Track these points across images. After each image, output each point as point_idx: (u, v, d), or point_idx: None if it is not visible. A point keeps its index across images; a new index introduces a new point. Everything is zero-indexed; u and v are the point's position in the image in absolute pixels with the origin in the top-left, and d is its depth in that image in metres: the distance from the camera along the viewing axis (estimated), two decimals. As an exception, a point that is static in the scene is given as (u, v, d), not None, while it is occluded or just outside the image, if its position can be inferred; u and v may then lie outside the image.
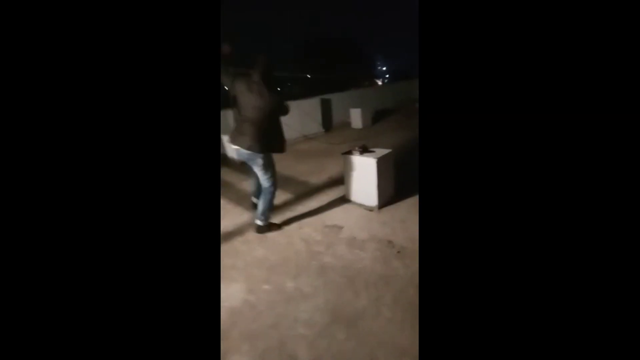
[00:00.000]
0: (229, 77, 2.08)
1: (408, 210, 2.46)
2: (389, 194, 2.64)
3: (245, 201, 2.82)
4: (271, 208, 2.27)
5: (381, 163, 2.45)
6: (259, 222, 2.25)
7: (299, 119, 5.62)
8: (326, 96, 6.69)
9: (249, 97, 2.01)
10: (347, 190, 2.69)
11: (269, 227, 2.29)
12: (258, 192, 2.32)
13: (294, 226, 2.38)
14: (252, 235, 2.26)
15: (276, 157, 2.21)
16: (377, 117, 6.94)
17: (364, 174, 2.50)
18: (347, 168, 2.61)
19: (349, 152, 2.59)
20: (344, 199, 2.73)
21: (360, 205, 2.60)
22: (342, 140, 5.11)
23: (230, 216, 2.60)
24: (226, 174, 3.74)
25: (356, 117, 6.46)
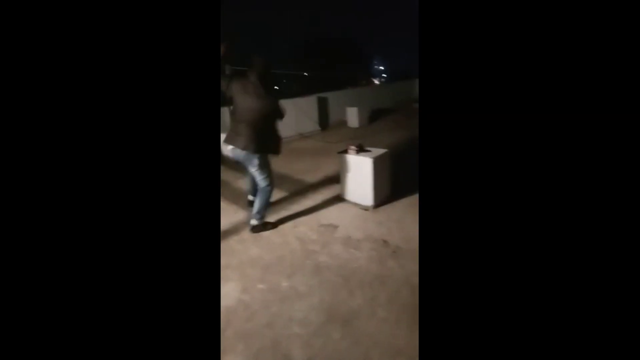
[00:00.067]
0: (226, 77, 2.08)
1: (404, 210, 2.47)
2: (385, 194, 2.65)
3: (240, 199, 2.81)
4: (267, 207, 2.27)
5: (377, 163, 2.45)
6: (254, 221, 2.24)
7: (296, 117, 5.61)
8: (323, 94, 6.68)
9: (245, 98, 2.01)
10: (343, 189, 2.69)
11: (264, 226, 2.28)
12: (254, 189, 2.31)
13: (289, 225, 2.37)
14: (247, 234, 2.25)
15: (272, 155, 2.21)
16: (373, 116, 6.95)
17: (360, 174, 2.50)
18: (343, 167, 2.61)
19: (345, 151, 2.59)
20: (340, 198, 2.73)
21: (356, 205, 2.60)
22: (338, 139, 5.11)
23: (226, 215, 2.58)
24: (222, 172, 3.72)
25: (352, 116, 6.47)
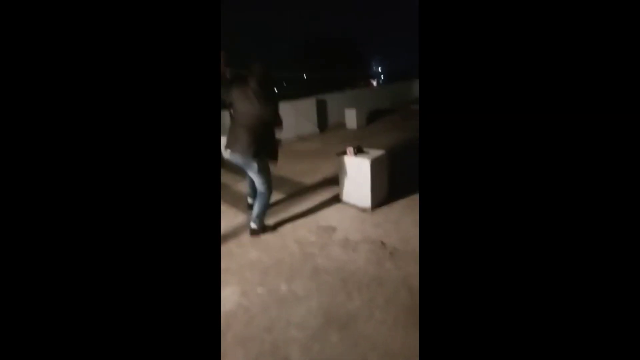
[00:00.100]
0: (225, 84, 2.11)
1: (401, 212, 2.48)
2: (383, 195, 2.66)
3: (240, 202, 2.82)
4: (266, 211, 2.28)
5: (375, 164, 2.46)
6: (253, 225, 2.25)
7: (294, 119, 5.62)
8: (322, 96, 6.69)
9: (245, 104, 2.04)
10: (341, 190, 2.70)
11: (263, 229, 2.29)
12: (254, 192, 2.32)
13: (288, 227, 2.38)
14: (246, 237, 2.26)
15: (270, 162, 2.22)
16: (371, 118, 6.96)
17: (358, 175, 2.51)
18: (342, 169, 2.62)
19: (344, 153, 2.60)
20: (338, 200, 2.74)
21: (354, 206, 2.61)
22: (336, 141, 5.12)
23: (225, 218, 2.59)
24: (222, 175, 3.73)
25: (351, 118, 6.47)
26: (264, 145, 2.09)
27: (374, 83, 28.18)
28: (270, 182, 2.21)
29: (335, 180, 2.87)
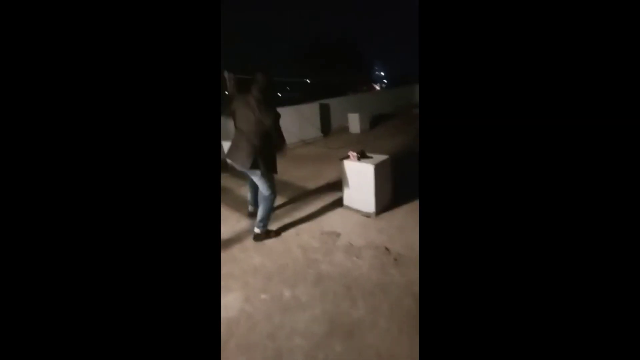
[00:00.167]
0: (227, 96, 2.15)
1: (405, 217, 2.46)
2: (387, 201, 2.64)
3: (243, 207, 2.82)
4: (270, 215, 2.28)
5: (379, 169, 2.45)
6: (257, 230, 2.25)
7: (298, 123, 5.64)
8: (325, 101, 6.72)
9: (246, 113, 2.05)
10: (345, 196, 2.69)
11: (267, 234, 2.28)
12: (254, 200, 2.32)
13: (291, 233, 2.37)
14: (250, 242, 2.25)
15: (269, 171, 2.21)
16: (375, 122, 6.97)
17: (362, 180, 2.50)
18: (345, 174, 2.61)
19: (347, 158, 2.60)
20: (342, 205, 2.72)
21: (358, 212, 2.60)
22: (340, 145, 5.12)
23: (228, 223, 2.59)
24: (225, 180, 3.74)
25: (354, 122, 6.48)
26: (263, 157, 2.09)
27: (377, 87, 28.28)
28: (274, 186, 2.20)
29: (338, 185, 2.87)
